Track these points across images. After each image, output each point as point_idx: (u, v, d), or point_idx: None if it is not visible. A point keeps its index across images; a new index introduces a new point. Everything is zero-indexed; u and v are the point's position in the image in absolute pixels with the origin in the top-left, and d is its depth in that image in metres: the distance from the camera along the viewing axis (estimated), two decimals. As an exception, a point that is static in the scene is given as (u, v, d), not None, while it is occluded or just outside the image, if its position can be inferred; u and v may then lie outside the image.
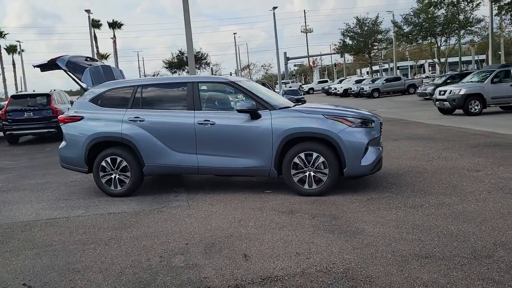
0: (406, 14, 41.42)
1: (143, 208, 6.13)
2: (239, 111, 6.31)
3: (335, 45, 53.97)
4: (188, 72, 70.13)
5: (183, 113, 6.64)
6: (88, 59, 7.88)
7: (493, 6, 30.03)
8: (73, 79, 7.56)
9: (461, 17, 40.04)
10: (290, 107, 6.83)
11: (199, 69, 72.72)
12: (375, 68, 75.44)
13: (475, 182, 6.61)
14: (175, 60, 69.06)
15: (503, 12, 28.48)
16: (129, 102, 6.88)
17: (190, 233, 4.94)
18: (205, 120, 6.48)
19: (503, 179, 6.66)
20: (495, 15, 29.81)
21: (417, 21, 40.90)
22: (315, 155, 6.16)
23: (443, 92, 18.58)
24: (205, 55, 63.50)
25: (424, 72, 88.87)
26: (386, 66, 76.77)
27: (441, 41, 42.26)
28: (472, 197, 5.81)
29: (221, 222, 5.28)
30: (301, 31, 63.68)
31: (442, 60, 46.16)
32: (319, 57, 72.15)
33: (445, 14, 39.52)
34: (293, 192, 6.38)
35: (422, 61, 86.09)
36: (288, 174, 6.28)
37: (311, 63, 64.95)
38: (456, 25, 40.63)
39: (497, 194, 5.86)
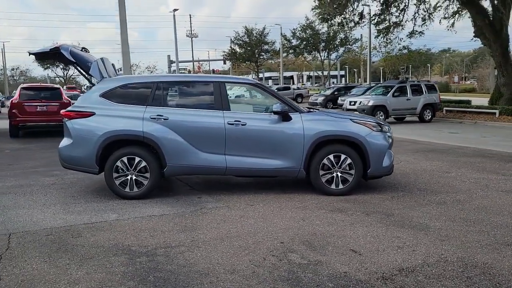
0: (294, 29, 44.16)
1: (182, 210, 5.90)
2: (275, 112, 6.43)
3: (223, 51, 54.90)
4: (64, 67, 64.68)
5: (211, 112, 6.52)
6: (83, 49, 7.23)
7: (372, 29, 33.48)
8: (79, 71, 6.90)
9: (342, 35, 43.94)
10: (312, 110, 7.12)
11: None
12: (250, 77, 78.44)
13: (459, 181, 7.59)
14: (48, 55, 63.85)
15: (381, 35, 31.83)
16: (149, 99, 6.53)
17: (271, 233, 4.96)
18: (235, 121, 6.46)
19: (478, 179, 7.76)
20: (375, 37, 33.19)
21: (304, 35, 43.83)
22: (343, 157, 6.55)
23: (353, 103, 20.33)
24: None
25: (294, 83, 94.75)
26: (261, 75, 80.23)
27: (324, 56, 45.77)
28: (475, 194, 6.70)
29: (286, 222, 5.36)
30: (187, 35, 63.46)
31: (307, 72, 49.96)
32: (201, 62, 72.49)
33: (328, 31, 42.91)
34: (316, 192, 6.67)
35: (291, 73, 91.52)
36: (317, 175, 6.57)
37: (196, 68, 64.97)
38: (336, 43, 44.50)
39: (491, 192, 6.85)
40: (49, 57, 7.05)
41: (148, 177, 6.41)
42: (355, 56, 60.60)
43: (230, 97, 6.88)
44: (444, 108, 23.48)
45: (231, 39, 53.22)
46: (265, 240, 4.72)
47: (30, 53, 6.91)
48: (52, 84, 17.19)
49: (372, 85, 30.92)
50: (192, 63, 65.15)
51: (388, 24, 29.92)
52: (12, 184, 7.55)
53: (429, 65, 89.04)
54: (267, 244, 4.60)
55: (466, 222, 5.31)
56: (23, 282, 3.71)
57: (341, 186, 6.60)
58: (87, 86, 59.87)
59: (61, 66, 70.08)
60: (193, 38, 64.27)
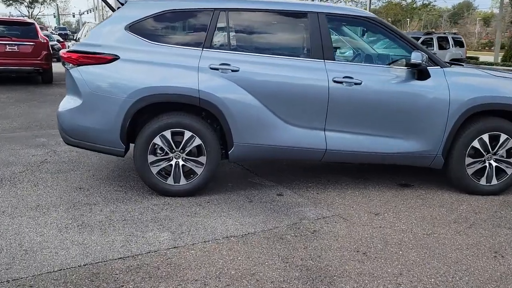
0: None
1: (274, 225, 3.57)
2: (413, 65, 4.04)
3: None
4: (29, 5, 59.34)
5: (306, 62, 4.08)
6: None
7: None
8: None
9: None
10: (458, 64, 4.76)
11: (42, 4, 62.80)
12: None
13: None
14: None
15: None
16: (206, 36, 4.01)
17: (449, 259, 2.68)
18: (345, 77, 4.04)
19: None
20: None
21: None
22: (503, 137, 4.27)
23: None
24: None
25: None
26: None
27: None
28: None
29: (473, 258, 3.12)
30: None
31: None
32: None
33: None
34: (446, 186, 4.45)
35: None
36: (461, 163, 4.30)
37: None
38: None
39: None
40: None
41: (204, 162, 3.99)
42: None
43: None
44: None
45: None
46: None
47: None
48: (24, 19, 13.85)
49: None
50: None
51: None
52: (-21, 162, 4.98)
53: (408, 19, 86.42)
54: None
55: None
56: None
57: (494, 182, 4.34)
58: (55, 27, 54.33)
59: (26, 4, 63.99)
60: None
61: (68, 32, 45.36)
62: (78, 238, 3.20)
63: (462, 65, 5.10)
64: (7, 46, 11.23)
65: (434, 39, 18.22)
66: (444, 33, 19.96)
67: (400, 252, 3.14)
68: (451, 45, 18.39)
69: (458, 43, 19.08)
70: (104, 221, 3.51)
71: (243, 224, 3.55)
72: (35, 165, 4.87)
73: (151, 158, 3.97)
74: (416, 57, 3.96)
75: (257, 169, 5.01)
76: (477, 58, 26.84)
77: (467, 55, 31.32)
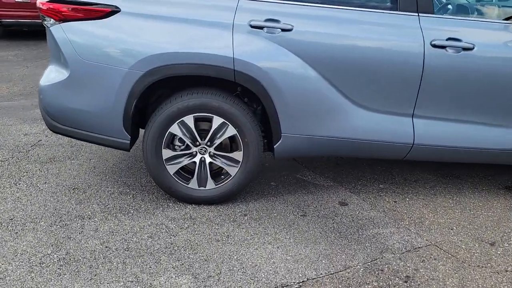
0: None
1: (345, 262, 2.43)
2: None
3: None
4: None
5: (392, 17, 2.78)
6: None
7: None
8: None
9: None
10: None
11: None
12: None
13: None
14: None
15: None
16: (243, -22, 2.72)
17: None
18: (450, 39, 2.72)
19: None
20: None
21: None
22: None
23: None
24: None
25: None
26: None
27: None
28: None
29: None
30: None
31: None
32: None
33: None
34: None
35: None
36: None
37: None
38: None
39: None
40: None
41: (239, 160, 2.82)
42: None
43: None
44: None
45: None
46: None
47: None
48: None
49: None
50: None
51: None
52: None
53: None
54: None
55: None
56: None
57: None
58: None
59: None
60: None
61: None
62: (54, 285, 2.12)
63: None
64: (18, -4, 10.09)
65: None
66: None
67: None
68: None
69: None
70: (97, 250, 2.42)
71: (297, 260, 2.40)
72: (24, 150, 3.80)
73: (167, 153, 2.83)
74: None
75: (307, 159, 3.82)
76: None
77: None
